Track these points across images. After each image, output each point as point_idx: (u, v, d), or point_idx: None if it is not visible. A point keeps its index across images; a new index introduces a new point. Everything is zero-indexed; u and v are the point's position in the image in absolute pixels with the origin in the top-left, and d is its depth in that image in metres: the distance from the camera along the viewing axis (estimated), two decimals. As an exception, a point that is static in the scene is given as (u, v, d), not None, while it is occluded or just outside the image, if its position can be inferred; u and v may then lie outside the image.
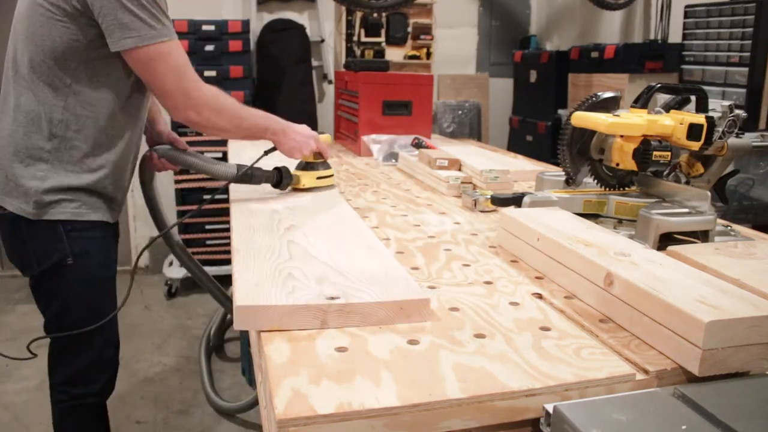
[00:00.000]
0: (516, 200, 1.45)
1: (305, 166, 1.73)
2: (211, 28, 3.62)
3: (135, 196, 4.15)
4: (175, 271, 3.83)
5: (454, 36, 4.70)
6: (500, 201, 1.51)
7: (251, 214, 1.43)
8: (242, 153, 2.41)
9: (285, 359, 0.80)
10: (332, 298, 0.91)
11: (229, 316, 3.15)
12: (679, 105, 1.36)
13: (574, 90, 3.86)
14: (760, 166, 2.65)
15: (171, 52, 1.40)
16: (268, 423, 0.79)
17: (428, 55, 4.53)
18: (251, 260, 1.09)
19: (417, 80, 2.88)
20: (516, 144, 4.32)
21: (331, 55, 4.37)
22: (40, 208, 1.44)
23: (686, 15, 3.33)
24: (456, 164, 2.09)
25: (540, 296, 1.06)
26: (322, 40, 4.29)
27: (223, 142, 3.46)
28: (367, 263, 1.09)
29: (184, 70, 1.42)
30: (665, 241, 1.22)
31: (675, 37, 3.49)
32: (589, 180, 1.48)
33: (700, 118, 1.27)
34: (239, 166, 1.61)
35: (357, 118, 2.81)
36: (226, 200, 1.70)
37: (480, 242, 1.38)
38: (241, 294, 0.93)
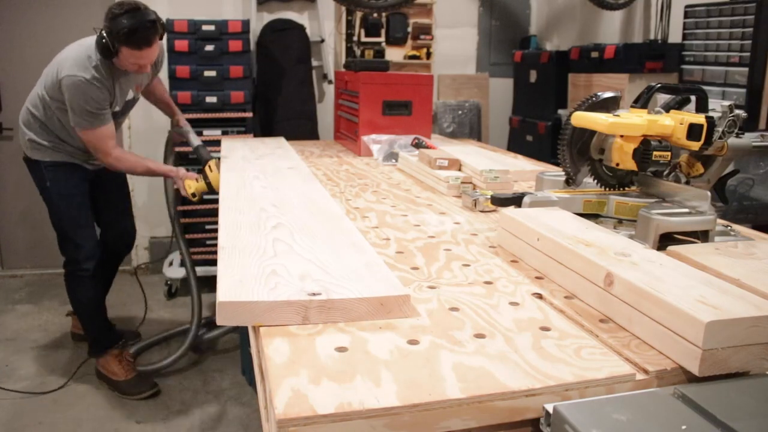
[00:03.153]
0: (516, 200, 1.45)
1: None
2: (211, 28, 3.62)
3: (135, 196, 4.15)
4: (175, 271, 3.83)
5: (454, 36, 4.69)
6: (500, 201, 1.51)
7: (239, 212, 1.44)
8: (233, 152, 2.43)
9: (285, 359, 0.80)
10: (313, 294, 0.92)
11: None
12: (679, 105, 1.36)
13: (574, 90, 3.86)
14: (760, 166, 2.65)
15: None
16: (268, 423, 0.79)
17: (428, 55, 4.53)
18: (236, 257, 1.10)
19: (417, 80, 2.88)
20: (516, 144, 4.32)
21: (331, 55, 4.37)
22: None
23: (686, 15, 3.32)
24: (456, 164, 2.09)
25: (540, 296, 1.06)
26: (322, 40, 4.29)
27: (217, 142, 3.45)
28: (350, 260, 1.10)
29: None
30: (665, 241, 1.22)
31: (675, 37, 3.48)
32: (589, 180, 1.48)
33: (700, 118, 1.27)
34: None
35: (357, 118, 2.81)
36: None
37: (480, 242, 1.38)
38: (225, 290, 0.94)
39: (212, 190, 2.54)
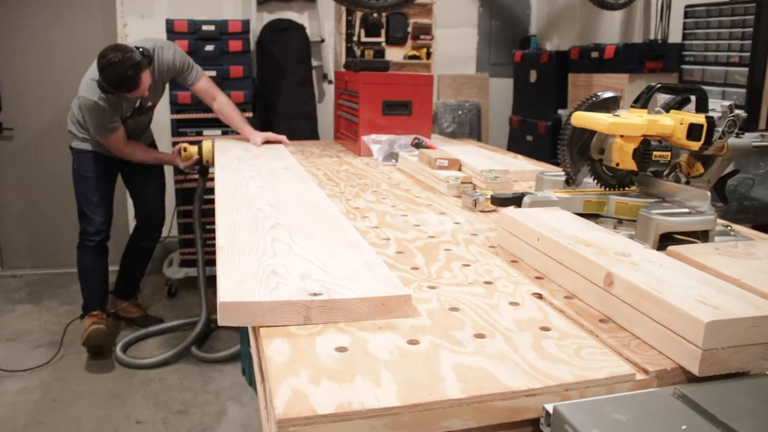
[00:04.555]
0: (516, 200, 1.45)
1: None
2: (211, 28, 3.62)
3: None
4: (175, 271, 3.83)
5: (454, 36, 4.69)
6: (500, 201, 1.51)
7: (236, 212, 1.44)
8: (227, 152, 2.43)
9: (285, 359, 0.80)
10: (315, 294, 0.92)
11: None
12: (679, 105, 1.36)
13: (574, 90, 3.86)
14: (760, 166, 2.65)
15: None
16: (268, 423, 0.79)
17: (428, 55, 4.53)
18: (235, 258, 1.10)
19: (417, 80, 2.88)
20: (516, 144, 4.32)
21: (331, 55, 4.37)
22: None
23: (686, 15, 3.32)
24: (456, 164, 2.09)
25: (540, 296, 1.06)
26: (322, 40, 4.29)
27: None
28: (350, 260, 1.10)
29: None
30: (665, 241, 1.22)
31: (675, 37, 3.48)
32: (589, 180, 1.48)
33: (700, 118, 1.27)
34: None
35: (357, 118, 2.81)
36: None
37: (480, 242, 1.38)
38: (225, 290, 0.94)
39: (201, 156, 2.89)
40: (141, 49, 2.67)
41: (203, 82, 2.96)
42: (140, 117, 3.03)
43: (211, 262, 3.86)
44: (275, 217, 1.40)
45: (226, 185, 1.80)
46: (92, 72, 2.72)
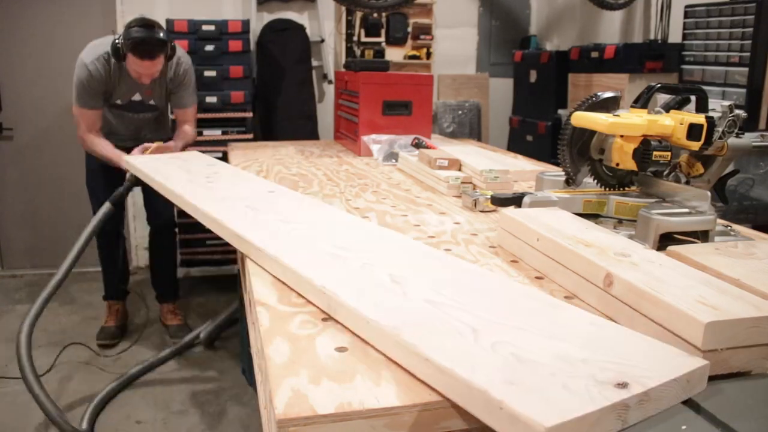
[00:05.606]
0: (516, 200, 1.45)
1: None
2: (211, 28, 3.62)
3: (135, 197, 4.15)
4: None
5: (454, 36, 4.69)
6: (500, 201, 1.51)
7: (333, 269, 1.06)
8: (156, 173, 2.29)
9: (285, 359, 0.80)
10: (621, 386, 0.66)
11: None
12: (679, 105, 1.36)
13: (574, 90, 3.86)
14: (760, 166, 2.65)
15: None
16: (268, 423, 0.79)
17: (428, 55, 4.53)
18: (428, 340, 0.78)
19: (417, 80, 2.88)
20: (516, 144, 4.32)
21: (331, 55, 4.37)
22: None
23: (686, 15, 3.32)
24: (456, 164, 2.09)
25: (540, 296, 1.05)
26: (322, 40, 4.29)
27: (216, 142, 3.46)
28: (569, 322, 0.84)
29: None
30: (665, 241, 1.22)
31: (675, 37, 3.48)
32: (589, 180, 1.48)
33: (700, 118, 1.27)
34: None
35: (357, 118, 2.81)
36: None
37: (480, 242, 1.38)
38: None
39: None
40: (173, 44, 2.70)
41: (193, 109, 2.95)
42: (137, 116, 2.92)
43: (211, 262, 3.87)
44: (399, 281, 0.98)
45: (262, 237, 1.21)
46: (105, 40, 2.69)
